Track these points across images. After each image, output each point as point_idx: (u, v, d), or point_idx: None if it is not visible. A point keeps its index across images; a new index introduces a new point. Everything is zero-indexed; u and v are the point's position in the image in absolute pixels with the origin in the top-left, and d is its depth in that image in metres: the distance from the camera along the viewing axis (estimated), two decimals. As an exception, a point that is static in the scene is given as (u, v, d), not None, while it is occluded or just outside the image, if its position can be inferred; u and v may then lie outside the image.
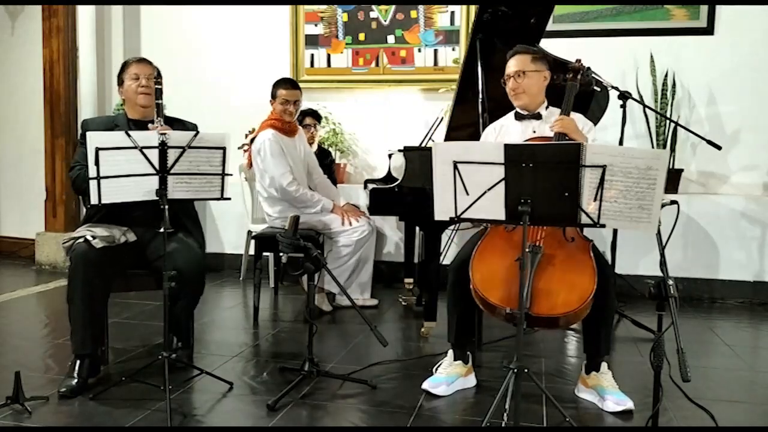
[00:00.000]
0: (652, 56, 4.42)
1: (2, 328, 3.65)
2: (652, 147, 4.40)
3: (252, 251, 3.93)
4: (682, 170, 4.42)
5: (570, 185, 2.00)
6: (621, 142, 3.73)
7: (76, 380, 2.60)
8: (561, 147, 2.10)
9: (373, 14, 4.91)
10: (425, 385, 2.68)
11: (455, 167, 2.07)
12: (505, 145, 2.01)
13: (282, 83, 3.85)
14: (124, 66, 2.90)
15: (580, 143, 1.96)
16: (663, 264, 1.99)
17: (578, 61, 2.76)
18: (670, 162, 4.39)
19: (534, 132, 2.79)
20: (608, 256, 3.74)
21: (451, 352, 2.76)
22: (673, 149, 4.38)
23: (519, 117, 2.85)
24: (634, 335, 3.51)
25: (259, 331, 3.58)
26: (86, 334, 2.65)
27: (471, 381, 2.74)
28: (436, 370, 2.76)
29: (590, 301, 2.29)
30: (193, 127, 2.91)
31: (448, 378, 2.68)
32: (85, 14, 5.12)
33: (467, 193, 2.09)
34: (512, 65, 2.79)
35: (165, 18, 5.28)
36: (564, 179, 2.00)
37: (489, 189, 2.05)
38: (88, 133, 2.34)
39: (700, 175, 4.52)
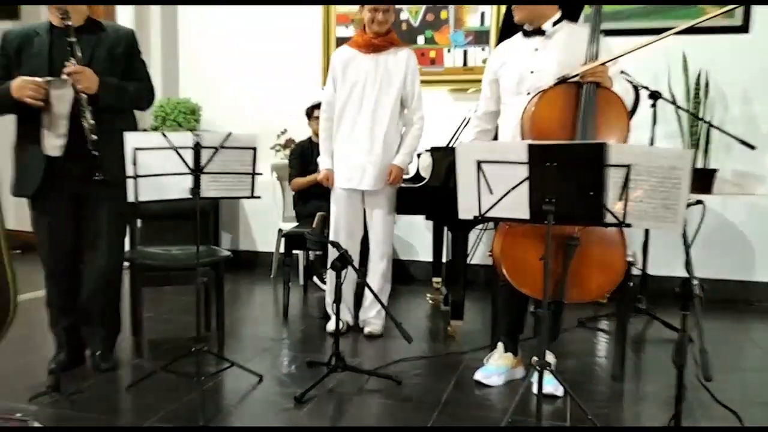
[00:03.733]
0: (684, 55, 4.37)
1: (37, 323, 3.79)
2: (684, 147, 4.35)
3: (283, 249, 4.00)
4: (716, 170, 4.35)
5: (594, 184, 2.01)
6: (652, 142, 3.71)
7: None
8: (585, 146, 2.11)
9: (403, 15, 4.95)
10: (477, 376, 2.77)
11: (479, 167, 2.09)
12: (529, 145, 2.03)
13: None
14: None
15: (604, 143, 1.96)
16: (688, 264, 1.99)
17: None
18: (703, 162, 4.33)
19: (536, 50, 2.64)
20: (639, 257, 3.72)
21: (501, 345, 2.82)
22: (706, 149, 4.32)
23: (526, 33, 2.69)
24: (664, 336, 3.48)
25: (288, 327, 3.65)
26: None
27: (520, 372, 2.81)
28: (487, 361, 2.84)
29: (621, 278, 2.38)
30: (127, 34, 2.83)
31: (499, 369, 2.77)
32: (124, 15, 5.23)
33: (491, 192, 2.11)
34: None
35: (200, 17, 5.39)
36: (588, 178, 2.01)
37: (513, 188, 2.07)
38: (126, 135, 2.41)
39: (735, 175, 4.45)
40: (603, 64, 2.44)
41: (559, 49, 2.60)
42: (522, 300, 2.67)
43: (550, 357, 2.73)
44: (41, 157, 2.64)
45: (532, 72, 2.63)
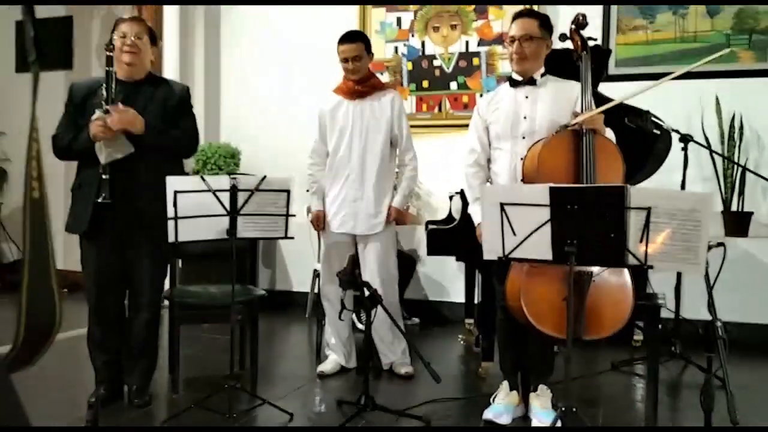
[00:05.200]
0: (717, 98, 4.37)
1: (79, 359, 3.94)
2: (720, 190, 4.32)
3: (317, 289, 4.08)
4: (752, 213, 4.30)
5: (615, 227, 2.05)
6: (683, 185, 3.70)
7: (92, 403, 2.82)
8: (605, 189, 2.16)
9: (436, 62, 5.10)
10: (488, 415, 2.79)
11: (502, 209, 2.16)
12: (551, 188, 2.09)
13: (340, 39, 3.41)
14: (115, 24, 2.93)
15: (624, 186, 2.01)
16: (711, 305, 2.00)
17: (579, 14, 2.66)
18: (739, 205, 4.29)
19: (527, 97, 2.78)
20: (671, 299, 3.67)
21: (506, 383, 2.86)
22: (742, 192, 4.28)
23: (514, 84, 2.83)
24: (699, 381, 3.38)
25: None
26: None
27: (522, 409, 2.87)
28: (494, 400, 2.87)
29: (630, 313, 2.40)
30: (182, 89, 3.03)
31: (507, 407, 2.81)
32: (169, 61, 5.47)
33: (514, 234, 2.17)
34: (520, 28, 2.75)
35: (241, 64, 5.64)
36: (609, 221, 2.05)
37: (535, 230, 2.13)
38: (168, 178, 2.56)
39: (772, 218, 4.38)
40: (601, 111, 2.55)
41: (549, 97, 2.77)
42: (519, 338, 2.78)
43: (545, 391, 2.82)
44: (92, 200, 2.79)
45: (525, 117, 2.78)
